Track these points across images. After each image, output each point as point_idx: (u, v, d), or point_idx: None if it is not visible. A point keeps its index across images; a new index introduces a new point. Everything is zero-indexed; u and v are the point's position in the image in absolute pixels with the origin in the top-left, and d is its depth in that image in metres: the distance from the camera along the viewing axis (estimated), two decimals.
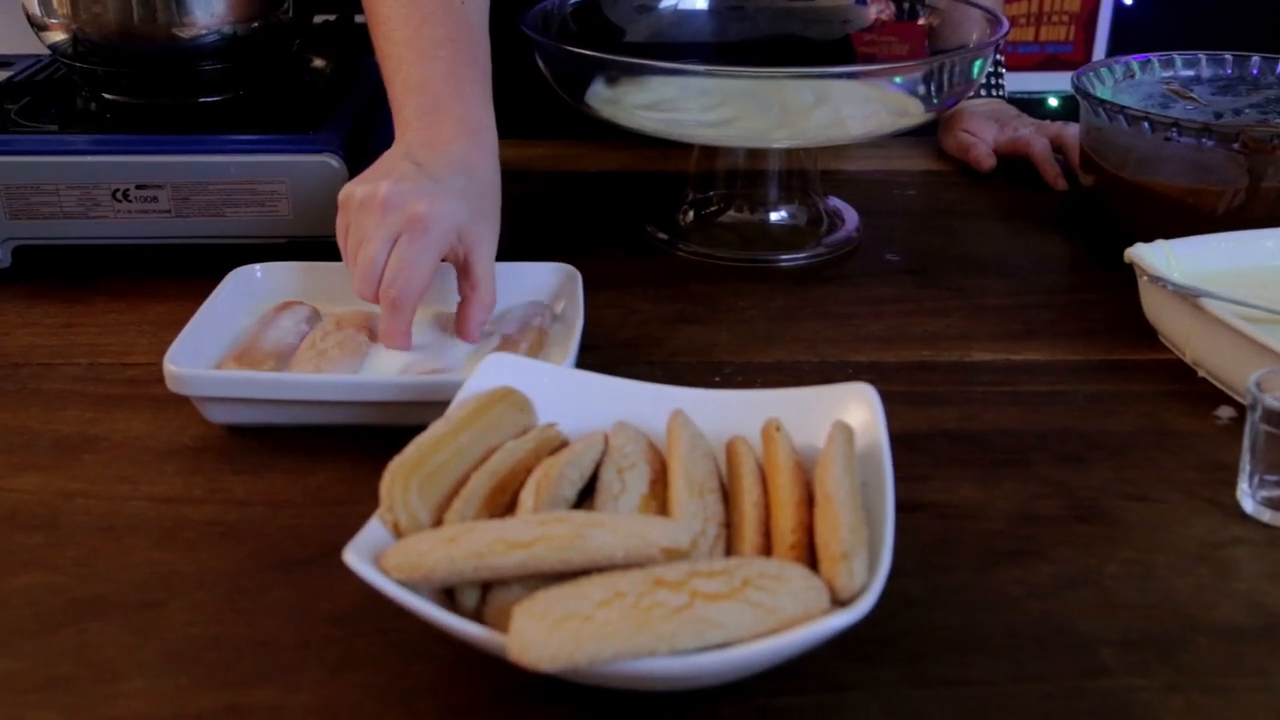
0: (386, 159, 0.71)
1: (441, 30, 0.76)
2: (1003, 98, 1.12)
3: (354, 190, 0.69)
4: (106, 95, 0.87)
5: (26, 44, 0.94)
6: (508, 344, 0.68)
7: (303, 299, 0.74)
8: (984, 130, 1.07)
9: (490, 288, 0.70)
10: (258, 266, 0.75)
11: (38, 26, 0.85)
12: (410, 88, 0.75)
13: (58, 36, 0.84)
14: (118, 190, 0.80)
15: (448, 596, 0.46)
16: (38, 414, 0.67)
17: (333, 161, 0.81)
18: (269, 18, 0.87)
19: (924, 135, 1.09)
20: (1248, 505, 0.59)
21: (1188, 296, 0.69)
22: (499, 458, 0.52)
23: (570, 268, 0.75)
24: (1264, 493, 0.58)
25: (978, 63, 0.86)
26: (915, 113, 0.86)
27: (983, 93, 1.11)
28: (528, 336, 0.69)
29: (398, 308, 0.67)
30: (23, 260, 0.83)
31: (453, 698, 0.47)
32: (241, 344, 0.68)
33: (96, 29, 0.83)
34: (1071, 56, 2.06)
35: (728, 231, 0.92)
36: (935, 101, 0.86)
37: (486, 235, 0.71)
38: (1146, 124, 0.83)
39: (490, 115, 0.76)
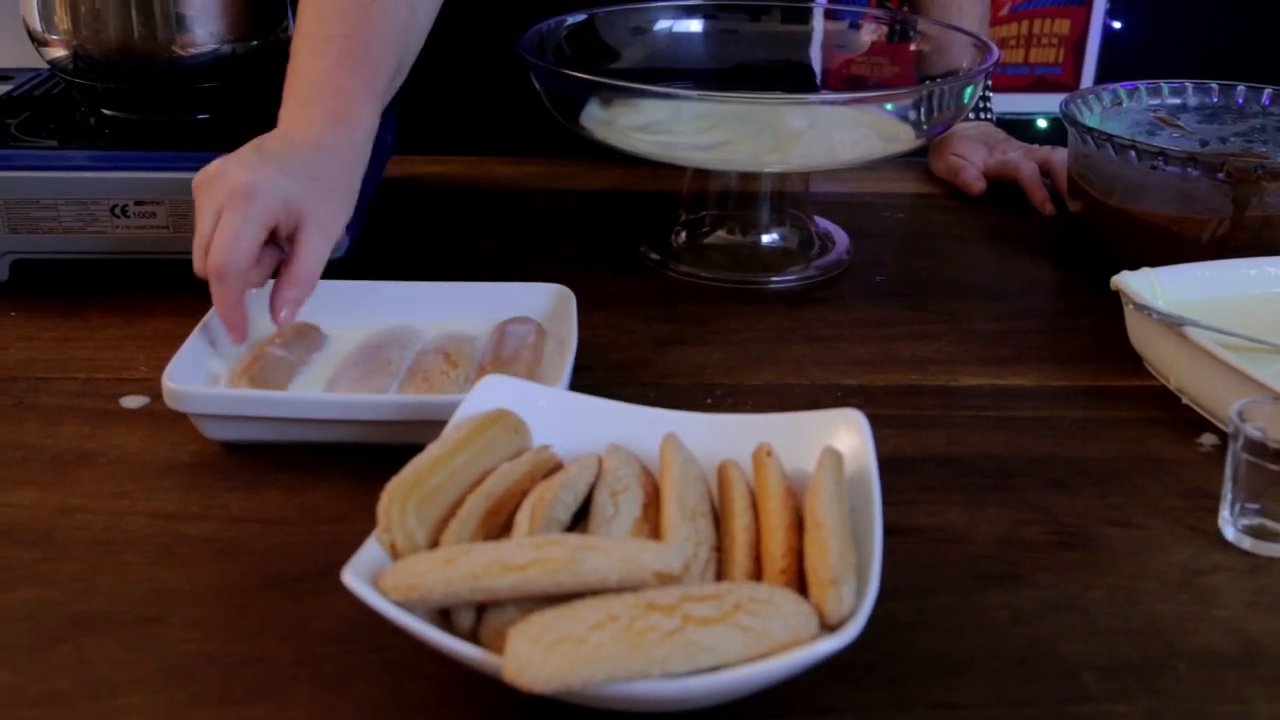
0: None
1: (339, 27, 0.77)
2: (992, 121, 1.14)
3: (196, 174, 0.70)
4: (106, 111, 0.88)
5: (25, 58, 0.95)
6: (500, 364, 0.69)
7: (301, 316, 0.75)
8: (973, 154, 1.08)
9: (310, 267, 0.69)
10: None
11: (38, 42, 0.86)
12: (292, 82, 0.77)
13: (58, 52, 0.85)
14: (116, 206, 0.81)
15: (443, 617, 0.47)
16: (34, 429, 0.68)
17: None
18: (267, 36, 0.88)
19: (914, 158, 1.11)
20: (1229, 532, 0.60)
21: (1172, 325, 0.71)
22: (494, 479, 0.53)
23: (564, 288, 0.76)
24: (1245, 520, 0.59)
25: (968, 89, 0.88)
26: (905, 138, 0.87)
27: (971, 116, 1.12)
28: (523, 357, 0.70)
29: (220, 277, 0.66)
30: (21, 274, 0.83)
31: (446, 717, 0.48)
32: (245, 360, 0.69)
33: (97, 46, 0.83)
34: (1061, 79, 2.09)
35: (719, 253, 0.93)
36: (925, 128, 0.87)
37: (323, 215, 0.70)
38: (1133, 152, 0.85)
39: (368, 107, 0.77)
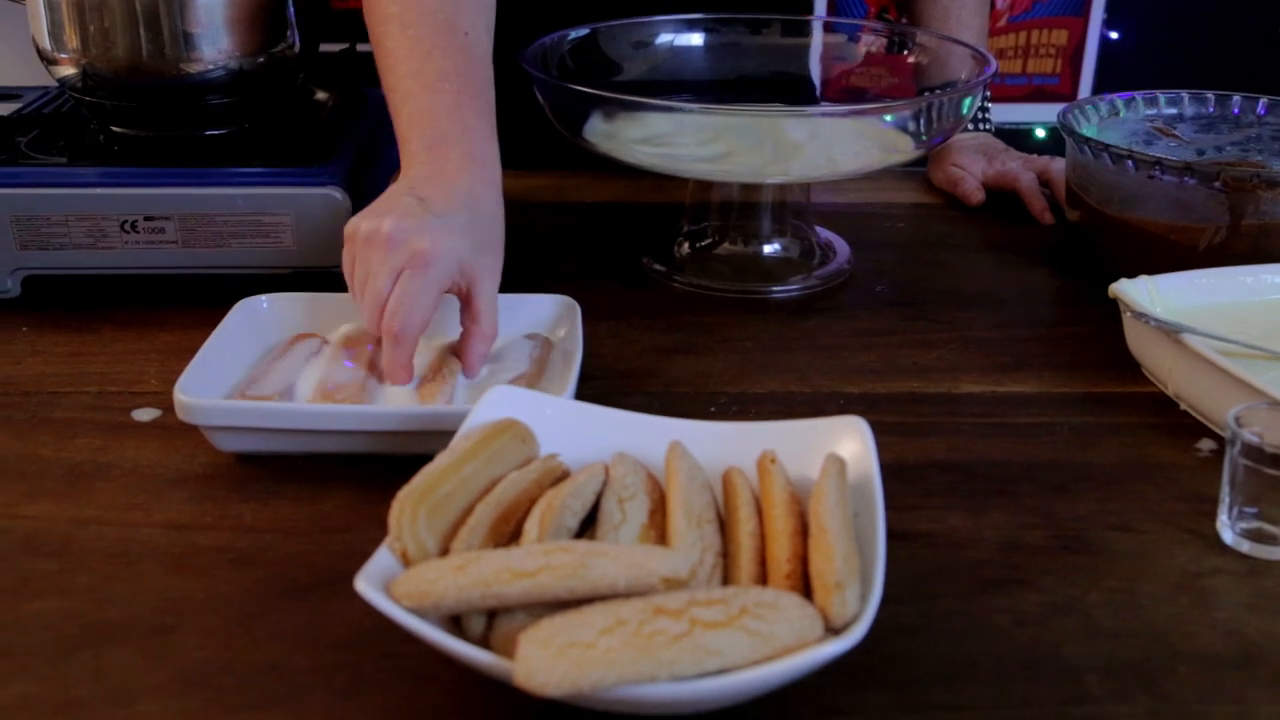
0: (391, 194, 0.73)
1: (447, 64, 0.78)
2: (990, 131, 1.15)
3: (359, 225, 0.70)
4: (115, 128, 0.89)
5: (32, 75, 0.96)
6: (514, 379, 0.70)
7: (307, 329, 0.76)
8: (972, 164, 1.09)
9: (491, 320, 0.72)
10: (264, 297, 0.76)
11: (47, 60, 0.87)
12: (415, 121, 0.77)
13: (67, 71, 0.86)
14: (126, 221, 0.82)
15: (455, 624, 0.48)
16: (49, 442, 0.69)
17: (336, 194, 0.83)
18: (274, 52, 0.89)
19: (914, 168, 1.12)
20: (1227, 536, 0.61)
21: (1169, 332, 0.72)
22: (503, 488, 0.54)
23: (569, 299, 0.77)
24: (1242, 524, 0.60)
25: (967, 101, 0.89)
26: (905, 149, 0.88)
27: (971, 127, 1.13)
28: (529, 370, 0.71)
29: (399, 342, 0.68)
30: (33, 290, 0.84)
31: None
32: (250, 377, 0.70)
33: (106, 64, 0.84)
34: (1058, 89, 2.10)
35: (722, 264, 0.94)
36: (925, 139, 0.88)
37: (489, 269, 0.72)
38: (1130, 162, 0.86)
39: (494, 149, 0.78)
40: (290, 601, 0.56)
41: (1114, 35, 2.06)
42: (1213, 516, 0.62)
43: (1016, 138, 1.17)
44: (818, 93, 1.14)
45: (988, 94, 1.14)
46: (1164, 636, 0.54)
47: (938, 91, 0.99)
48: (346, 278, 0.72)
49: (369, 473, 0.64)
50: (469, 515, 0.52)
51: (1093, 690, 0.51)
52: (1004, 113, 1.34)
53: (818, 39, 1.10)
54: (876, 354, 0.81)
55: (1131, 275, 0.77)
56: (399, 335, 0.68)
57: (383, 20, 0.80)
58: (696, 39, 1.05)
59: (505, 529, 0.52)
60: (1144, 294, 0.77)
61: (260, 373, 0.70)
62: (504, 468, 0.56)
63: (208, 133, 0.90)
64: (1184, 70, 2.05)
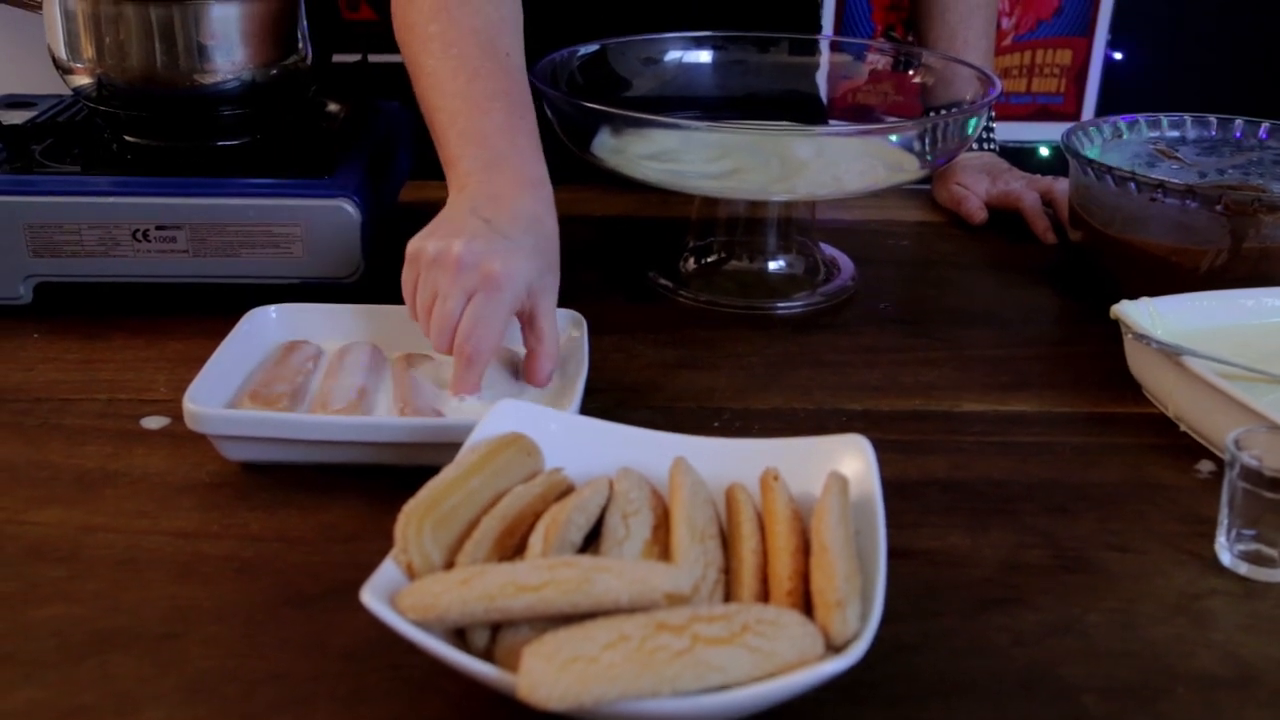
0: (454, 214, 0.73)
1: (493, 84, 0.79)
2: (995, 151, 1.15)
3: (425, 246, 0.71)
4: (128, 138, 0.90)
5: (48, 84, 0.97)
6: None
7: (315, 339, 0.77)
8: (976, 183, 1.10)
9: (555, 338, 0.73)
10: (273, 308, 0.77)
11: (63, 70, 0.88)
12: (468, 140, 0.77)
13: (82, 80, 0.87)
14: (138, 230, 0.83)
15: (459, 636, 0.48)
16: (59, 448, 0.69)
17: (347, 206, 0.83)
18: (287, 64, 0.90)
19: (918, 186, 1.12)
20: (1225, 558, 0.61)
21: (1170, 354, 0.72)
22: (508, 501, 0.54)
23: (576, 314, 0.78)
24: (1241, 546, 0.61)
25: (972, 121, 0.90)
26: (910, 169, 0.88)
27: (975, 146, 1.14)
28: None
29: (472, 364, 0.69)
30: (44, 297, 0.85)
31: None
32: (255, 384, 0.71)
33: (121, 74, 0.85)
34: (1062, 108, 2.11)
35: (728, 279, 0.95)
36: (930, 158, 0.89)
37: (550, 288, 0.74)
38: (1133, 184, 0.86)
39: (544, 168, 0.79)
40: (296, 611, 0.56)
41: (1117, 56, 2.07)
42: (1211, 538, 0.63)
43: (1020, 156, 1.17)
44: (825, 110, 1.15)
45: (993, 114, 1.15)
46: (1162, 657, 0.55)
47: (944, 112, 1.00)
48: (406, 297, 0.72)
49: (376, 484, 0.65)
50: (474, 529, 0.52)
51: (1090, 710, 0.52)
52: (1008, 131, 1.34)
53: (825, 57, 1.11)
54: (879, 371, 0.82)
55: (1133, 296, 0.78)
56: (473, 358, 0.69)
57: (423, 40, 0.81)
58: (705, 56, 1.06)
59: (510, 543, 0.53)
60: (1145, 315, 0.77)
61: (263, 381, 0.71)
62: (509, 481, 0.56)
63: (220, 143, 0.90)
64: (1188, 91, 2.05)
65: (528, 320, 0.73)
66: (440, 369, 0.74)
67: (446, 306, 0.69)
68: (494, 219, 0.72)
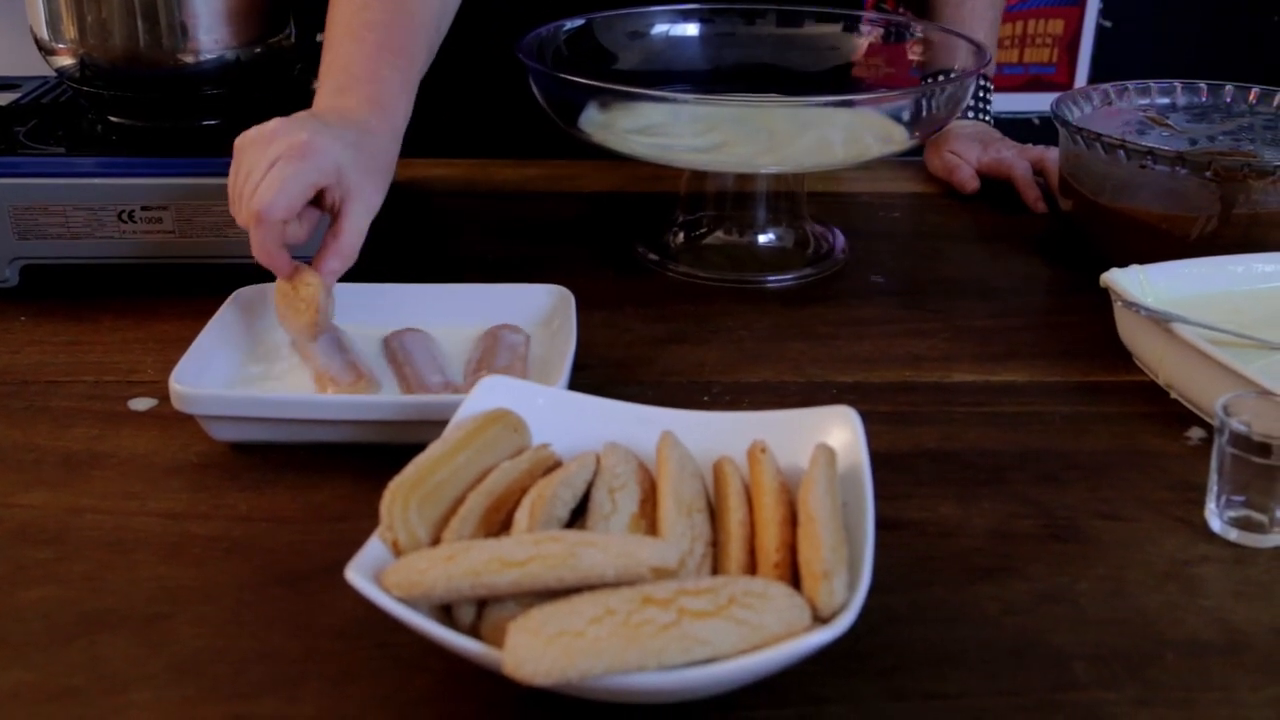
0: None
1: (377, 15, 0.78)
2: (989, 121, 1.15)
3: (245, 133, 0.70)
4: (112, 118, 0.89)
5: (30, 66, 0.97)
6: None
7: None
8: (968, 151, 1.09)
9: (353, 243, 0.70)
10: (260, 288, 0.77)
11: (45, 51, 0.87)
12: (331, 68, 0.77)
13: (65, 61, 0.86)
14: (123, 211, 0.82)
15: (445, 613, 0.48)
16: (46, 431, 0.69)
17: None
18: (271, 43, 0.90)
19: (909, 157, 1.12)
20: (1215, 524, 0.61)
21: (1160, 321, 0.72)
22: (495, 477, 0.54)
23: (563, 289, 0.78)
24: (1230, 512, 0.61)
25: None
26: (900, 139, 0.88)
27: (970, 115, 1.13)
28: (514, 368, 0.71)
29: (259, 220, 0.66)
30: (30, 279, 0.85)
31: (450, 710, 0.49)
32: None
33: (103, 54, 0.85)
34: (1054, 78, 2.10)
35: (717, 253, 0.95)
36: (919, 129, 0.88)
37: (366, 192, 0.71)
38: (1122, 152, 0.86)
39: (404, 99, 0.77)
40: (284, 590, 0.56)
41: (1108, 24, 2.06)
42: (1201, 505, 0.63)
43: (1013, 127, 1.17)
44: (814, 82, 1.14)
45: (991, 85, 1.15)
46: (1152, 624, 0.55)
47: (930, 81, 0.99)
48: (230, 189, 0.70)
49: (364, 462, 0.65)
50: (460, 505, 0.52)
51: (1080, 677, 0.52)
52: (1001, 102, 1.34)
53: (813, 28, 1.10)
54: (870, 343, 0.81)
55: (1123, 264, 0.78)
56: (260, 214, 0.66)
57: None
58: (692, 29, 1.05)
59: (496, 518, 0.53)
60: (1135, 283, 0.77)
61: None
62: (496, 457, 0.56)
63: (205, 123, 0.90)
64: (1179, 59, 2.05)
65: (334, 214, 0.70)
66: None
67: (253, 179, 0.67)
68: (320, 115, 0.71)
